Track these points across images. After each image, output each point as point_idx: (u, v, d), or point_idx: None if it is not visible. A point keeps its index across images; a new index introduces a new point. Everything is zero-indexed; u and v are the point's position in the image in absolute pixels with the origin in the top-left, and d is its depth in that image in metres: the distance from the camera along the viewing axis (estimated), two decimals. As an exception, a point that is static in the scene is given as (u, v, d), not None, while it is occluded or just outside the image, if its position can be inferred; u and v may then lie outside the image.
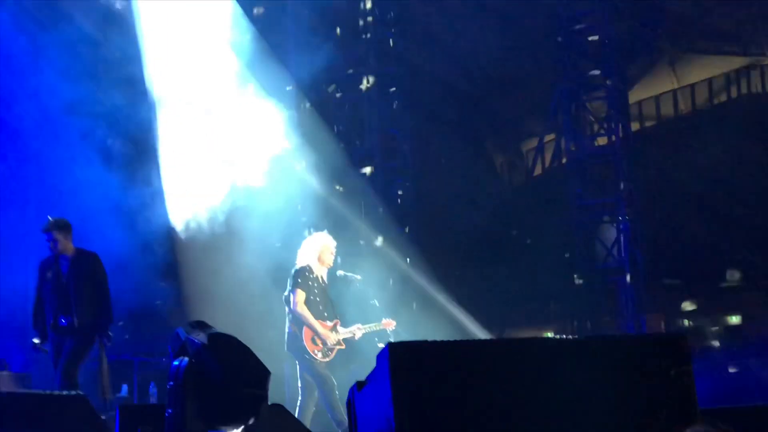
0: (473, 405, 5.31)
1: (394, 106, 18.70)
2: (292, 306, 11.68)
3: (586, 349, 5.77)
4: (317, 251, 12.04)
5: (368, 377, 6.00)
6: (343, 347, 11.90)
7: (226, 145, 16.21)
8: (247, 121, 16.30)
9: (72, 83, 15.14)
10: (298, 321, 11.66)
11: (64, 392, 8.09)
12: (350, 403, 6.39)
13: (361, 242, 17.07)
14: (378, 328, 12.36)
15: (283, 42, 17.58)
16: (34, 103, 15.60)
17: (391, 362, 5.35)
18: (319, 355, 11.64)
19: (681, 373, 5.55)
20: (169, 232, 16.17)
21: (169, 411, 7.41)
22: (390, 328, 12.35)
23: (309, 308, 11.68)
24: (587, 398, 5.42)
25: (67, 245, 11.67)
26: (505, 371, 5.42)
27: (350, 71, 18.28)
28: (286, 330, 11.80)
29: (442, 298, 17.06)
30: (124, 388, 15.52)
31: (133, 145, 15.90)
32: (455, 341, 5.77)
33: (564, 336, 19.03)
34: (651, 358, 5.61)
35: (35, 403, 7.95)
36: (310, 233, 13.29)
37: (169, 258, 16.24)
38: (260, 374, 7.55)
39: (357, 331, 12.12)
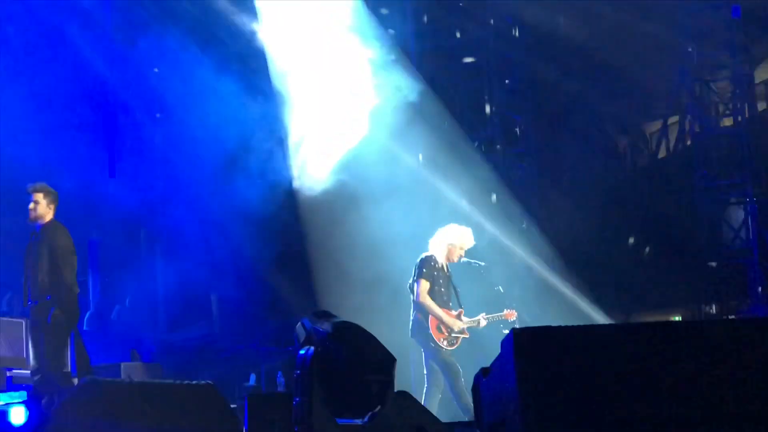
0: (598, 390, 5.28)
1: (515, 91, 18.65)
2: (415, 296, 11.76)
3: (713, 333, 5.69)
4: (447, 246, 12.04)
5: (493, 364, 6.01)
6: (467, 336, 11.90)
7: (347, 117, 16.21)
8: (369, 100, 16.27)
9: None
10: (422, 310, 11.72)
11: (194, 381, 8.20)
12: (476, 390, 6.41)
13: (485, 229, 16.96)
14: (501, 318, 12.33)
15: (403, 29, 17.60)
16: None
17: (516, 348, 5.35)
18: (445, 343, 11.68)
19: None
20: (296, 223, 16.27)
21: (297, 399, 7.51)
22: (512, 318, 12.30)
23: (433, 298, 11.74)
24: (715, 382, 5.35)
25: (46, 214, 11.12)
26: (630, 356, 5.38)
27: (471, 57, 18.26)
28: (411, 317, 11.87)
29: (565, 285, 16.93)
30: (252, 377, 15.75)
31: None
32: (580, 326, 5.74)
33: (691, 320, 18.86)
34: (780, 342, 5.52)
35: (166, 392, 8.09)
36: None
37: (295, 248, 16.36)
38: (386, 361, 7.60)
39: (482, 320, 12.13)
